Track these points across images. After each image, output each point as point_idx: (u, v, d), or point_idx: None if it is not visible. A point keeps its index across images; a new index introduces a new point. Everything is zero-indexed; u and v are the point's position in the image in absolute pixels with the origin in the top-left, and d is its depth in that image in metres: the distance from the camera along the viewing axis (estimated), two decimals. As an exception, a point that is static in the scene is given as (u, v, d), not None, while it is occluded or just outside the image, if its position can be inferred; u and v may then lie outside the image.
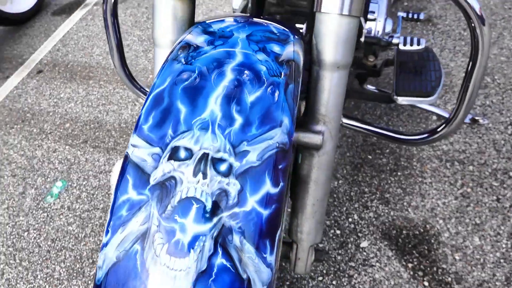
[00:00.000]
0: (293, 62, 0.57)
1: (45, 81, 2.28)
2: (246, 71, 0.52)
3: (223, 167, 0.46)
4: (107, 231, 0.46)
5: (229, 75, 0.52)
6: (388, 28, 1.29)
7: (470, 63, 0.92)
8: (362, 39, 1.26)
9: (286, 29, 0.64)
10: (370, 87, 1.37)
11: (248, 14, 0.85)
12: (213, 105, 0.49)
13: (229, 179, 0.45)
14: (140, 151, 0.49)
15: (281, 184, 0.47)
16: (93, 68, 2.31)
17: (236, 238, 0.43)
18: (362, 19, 1.22)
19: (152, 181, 0.46)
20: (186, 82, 0.51)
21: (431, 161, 1.42)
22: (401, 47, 1.20)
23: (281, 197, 0.47)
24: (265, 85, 0.51)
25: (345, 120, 1.28)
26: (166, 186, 0.46)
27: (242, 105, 0.49)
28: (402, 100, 1.16)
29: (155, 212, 0.45)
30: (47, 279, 1.36)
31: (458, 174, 1.37)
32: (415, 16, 1.38)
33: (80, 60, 2.39)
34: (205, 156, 0.46)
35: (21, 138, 1.95)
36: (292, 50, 0.59)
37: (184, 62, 0.54)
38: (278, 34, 0.60)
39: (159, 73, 0.55)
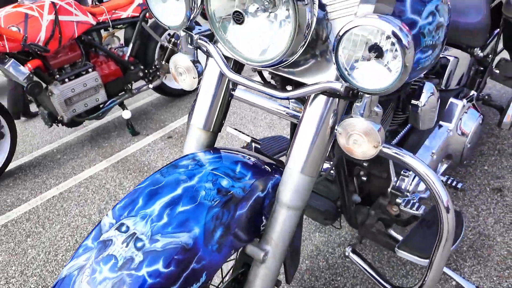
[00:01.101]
0: (232, 195, 0.81)
1: (169, 146, 2.85)
2: (190, 191, 0.78)
3: (139, 244, 0.72)
4: (71, 259, 0.75)
5: (178, 191, 0.78)
6: (420, 187, 1.40)
7: (436, 241, 1.01)
8: (389, 190, 1.39)
9: (254, 169, 0.90)
10: (393, 233, 1.45)
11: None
12: (157, 206, 0.76)
13: (139, 252, 0.70)
14: (106, 219, 0.78)
15: (172, 268, 0.70)
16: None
17: None
18: (392, 172, 1.37)
19: (101, 238, 0.75)
20: (152, 187, 0.80)
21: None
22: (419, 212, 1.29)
23: (170, 276, 0.69)
24: (195, 203, 0.76)
25: (352, 255, 1.39)
26: (106, 243, 0.73)
27: (173, 211, 0.75)
28: (401, 253, 1.24)
29: (93, 256, 0.72)
30: None
31: None
32: (453, 183, 1.44)
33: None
34: (134, 234, 0.73)
35: (132, 184, 2.48)
36: (238, 186, 0.83)
37: (161, 174, 0.84)
38: (236, 173, 0.86)
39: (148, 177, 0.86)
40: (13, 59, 2.48)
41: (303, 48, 0.78)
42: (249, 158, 0.97)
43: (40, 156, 3.05)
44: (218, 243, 0.78)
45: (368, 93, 0.74)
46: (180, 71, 1.03)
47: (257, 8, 0.75)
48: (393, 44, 0.68)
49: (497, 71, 2.07)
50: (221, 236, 0.77)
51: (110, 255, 0.71)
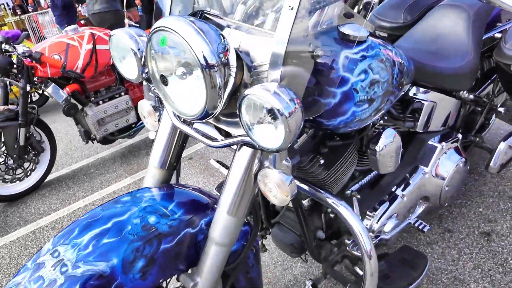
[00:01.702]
0: (157, 231, 0.93)
1: (188, 167, 3.02)
2: (119, 225, 0.91)
3: (64, 269, 0.85)
4: (13, 276, 0.91)
5: (108, 225, 0.92)
6: (386, 228, 1.44)
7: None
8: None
9: (189, 206, 1.02)
10: (359, 270, 1.49)
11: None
12: (87, 236, 0.90)
13: (62, 276, 0.84)
14: (47, 244, 0.93)
15: None
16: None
17: None
18: (356, 210, 1.42)
19: (38, 261, 0.89)
20: (89, 220, 0.94)
21: None
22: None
23: None
24: (119, 237, 0.89)
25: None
26: (40, 266, 0.87)
27: (98, 242, 0.88)
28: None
29: (28, 275, 0.87)
30: None
31: None
32: (420, 226, 1.45)
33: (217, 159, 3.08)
34: (62, 260, 0.87)
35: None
36: (164, 223, 0.95)
37: (101, 208, 0.98)
38: (167, 210, 0.98)
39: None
40: (53, 84, 2.80)
41: (224, 105, 0.90)
42: (192, 195, 1.09)
43: (76, 169, 3.36)
44: (142, 272, 0.90)
45: (265, 150, 0.84)
46: (144, 114, 1.19)
47: (179, 73, 0.88)
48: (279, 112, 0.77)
49: (503, 111, 2.04)
50: (144, 266, 0.90)
51: (39, 276, 0.86)
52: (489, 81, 1.92)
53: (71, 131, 4.18)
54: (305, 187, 1.14)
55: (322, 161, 1.27)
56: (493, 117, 2.14)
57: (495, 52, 1.65)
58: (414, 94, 1.54)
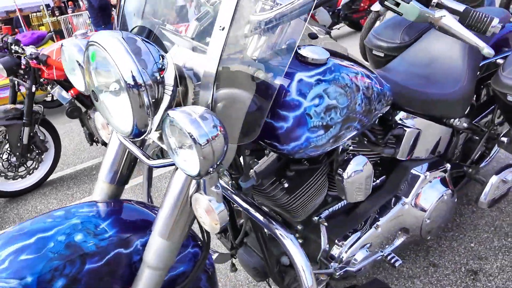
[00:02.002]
0: (80, 248, 0.90)
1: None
2: (42, 242, 0.88)
3: None
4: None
5: (31, 240, 0.87)
6: (356, 259, 1.36)
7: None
8: (318, 257, 1.37)
9: (125, 226, 0.98)
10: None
11: None
12: (6, 251, 0.83)
13: None
14: None
15: None
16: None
17: None
18: (324, 238, 1.35)
19: None
20: (15, 233, 0.89)
21: None
22: None
23: None
24: (39, 254, 0.84)
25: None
26: None
27: (15, 258, 0.82)
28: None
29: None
30: None
31: None
32: (392, 260, 1.35)
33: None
34: None
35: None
36: (92, 242, 0.91)
37: (30, 222, 0.95)
38: (98, 229, 0.94)
39: None
40: (58, 86, 2.84)
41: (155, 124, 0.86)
42: (137, 212, 1.06)
43: (80, 170, 3.41)
44: None
45: (187, 174, 0.79)
46: (98, 126, 1.16)
47: (112, 89, 0.85)
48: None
49: (505, 141, 1.92)
50: (65, 286, 0.87)
51: None
52: (489, 109, 1.81)
53: (83, 131, 4.26)
54: (257, 215, 1.08)
55: (286, 185, 1.21)
56: (496, 147, 2.02)
57: (492, 79, 1.55)
58: (400, 119, 1.46)
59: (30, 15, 14.20)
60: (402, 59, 1.67)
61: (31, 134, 2.92)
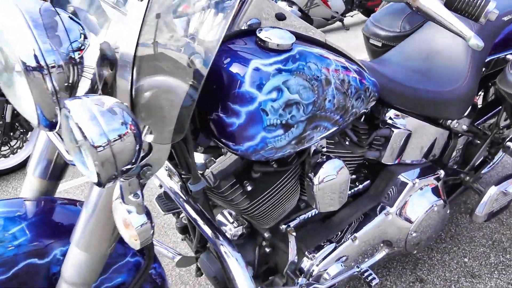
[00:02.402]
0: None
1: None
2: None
3: None
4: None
5: None
6: (329, 273, 1.21)
7: None
8: (285, 269, 1.23)
9: (43, 232, 0.84)
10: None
11: None
12: None
13: None
14: None
15: None
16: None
17: None
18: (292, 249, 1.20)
19: None
20: None
21: None
22: None
23: None
24: None
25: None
26: None
27: None
28: None
29: None
30: None
31: None
32: (368, 278, 1.20)
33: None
34: None
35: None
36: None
37: None
38: (5, 235, 0.80)
39: None
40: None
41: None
42: (66, 215, 0.92)
43: (68, 152, 3.29)
44: None
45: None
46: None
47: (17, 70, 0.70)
48: None
49: (511, 146, 1.73)
50: None
51: None
52: (495, 110, 1.62)
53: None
54: (205, 227, 0.94)
55: (249, 188, 1.06)
56: (500, 152, 1.83)
57: (498, 78, 1.37)
58: (390, 118, 1.29)
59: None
60: (398, 50, 1.49)
61: (15, 111, 2.80)
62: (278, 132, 0.84)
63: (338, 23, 6.07)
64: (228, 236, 1.27)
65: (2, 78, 0.73)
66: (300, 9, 4.59)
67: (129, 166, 0.61)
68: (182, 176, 0.98)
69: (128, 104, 0.66)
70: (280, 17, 0.89)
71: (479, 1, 0.67)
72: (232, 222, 1.27)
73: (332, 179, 1.06)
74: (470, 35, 0.69)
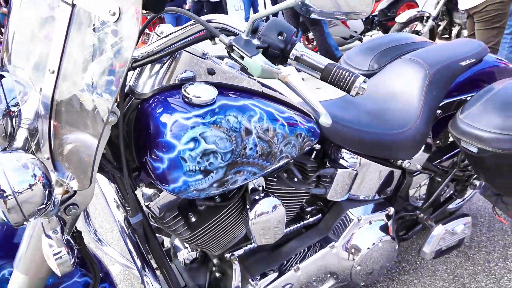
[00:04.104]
0: None
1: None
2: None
3: None
4: None
5: None
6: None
7: None
8: None
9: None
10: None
11: None
12: None
13: None
14: None
15: None
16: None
17: None
18: (236, 276, 1.29)
19: None
20: None
21: None
22: None
23: None
24: None
25: None
26: None
27: None
28: None
29: None
30: None
31: None
32: None
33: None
34: None
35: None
36: None
37: None
38: None
39: None
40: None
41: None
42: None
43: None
44: None
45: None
46: None
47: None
48: None
49: (477, 184, 1.77)
50: None
51: None
52: (456, 150, 1.67)
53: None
54: (136, 259, 1.05)
55: (193, 220, 1.18)
56: (471, 190, 1.87)
57: (450, 122, 1.43)
58: (335, 157, 1.36)
59: None
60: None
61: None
62: (198, 177, 0.95)
63: (357, 42, 6.13)
64: (182, 260, 1.39)
65: None
66: (295, 13, 4.65)
67: (41, 209, 0.74)
68: (127, 209, 1.11)
69: (48, 156, 0.79)
70: (210, 72, 1.00)
71: (348, 78, 0.77)
72: (186, 247, 1.39)
73: (267, 215, 1.16)
74: (322, 111, 0.78)
